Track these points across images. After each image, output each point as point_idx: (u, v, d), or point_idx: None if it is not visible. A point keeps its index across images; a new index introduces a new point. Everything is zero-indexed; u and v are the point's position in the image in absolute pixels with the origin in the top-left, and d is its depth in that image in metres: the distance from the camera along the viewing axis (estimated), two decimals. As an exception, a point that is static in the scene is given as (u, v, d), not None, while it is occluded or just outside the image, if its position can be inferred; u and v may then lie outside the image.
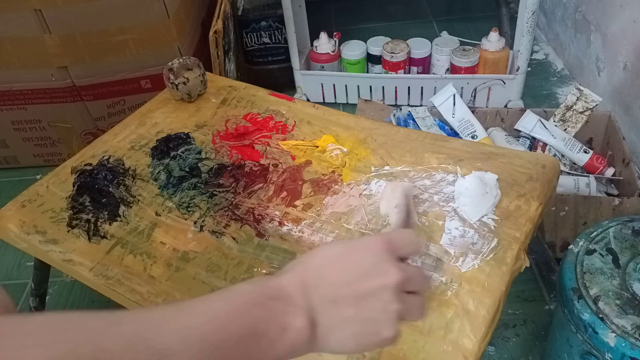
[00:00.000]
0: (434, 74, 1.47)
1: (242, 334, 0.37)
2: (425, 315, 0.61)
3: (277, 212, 0.76)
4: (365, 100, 1.32)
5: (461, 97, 1.23)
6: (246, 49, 1.53)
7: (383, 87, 1.48)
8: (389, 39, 1.48)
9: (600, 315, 0.65)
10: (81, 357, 0.31)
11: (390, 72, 1.46)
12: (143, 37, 1.20)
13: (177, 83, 0.94)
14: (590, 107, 1.13)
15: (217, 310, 0.38)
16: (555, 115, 1.16)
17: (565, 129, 1.15)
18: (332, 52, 1.49)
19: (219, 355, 0.35)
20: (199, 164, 0.85)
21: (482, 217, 0.69)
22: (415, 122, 1.20)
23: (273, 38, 1.50)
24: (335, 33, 1.52)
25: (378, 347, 0.41)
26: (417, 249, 0.46)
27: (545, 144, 1.14)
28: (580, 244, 0.74)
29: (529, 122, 1.16)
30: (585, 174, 1.09)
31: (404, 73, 1.47)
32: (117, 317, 0.35)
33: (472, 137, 1.16)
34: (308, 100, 1.51)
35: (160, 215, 0.78)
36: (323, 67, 1.50)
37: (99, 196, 0.81)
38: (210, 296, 0.39)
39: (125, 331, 0.34)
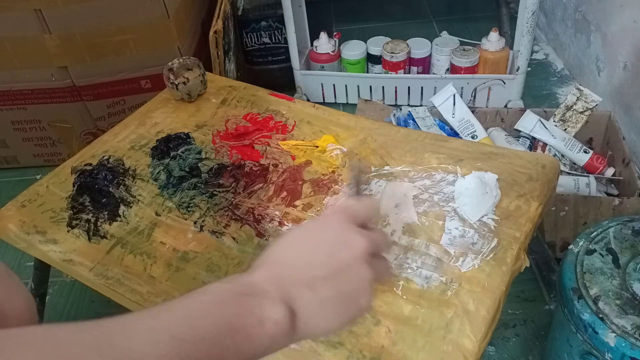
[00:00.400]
0: (434, 74, 1.46)
1: (216, 330, 0.36)
2: (393, 274, 0.62)
3: (277, 212, 0.76)
4: (365, 100, 1.32)
5: (461, 97, 1.23)
6: (246, 49, 1.53)
7: (383, 87, 1.48)
8: (389, 39, 1.48)
9: (600, 315, 0.65)
10: None
11: (390, 72, 1.46)
12: (143, 37, 1.20)
13: (177, 83, 0.94)
14: (590, 107, 1.13)
15: (186, 309, 0.37)
16: (555, 115, 1.16)
17: (565, 129, 1.15)
18: (332, 52, 1.49)
19: (193, 352, 0.35)
20: (199, 164, 0.85)
21: (482, 217, 0.69)
22: (415, 122, 1.20)
23: (273, 38, 1.50)
24: (335, 33, 1.52)
25: (359, 316, 0.42)
26: (374, 212, 0.47)
27: (545, 144, 1.14)
28: (580, 244, 0.74)
29: (529, 122, 1.15)
30: (585, 174, 1.09)
31: (404, 73, 1.47)
32: (84, 324, 0.34)
33: (472, 137, 1.16)
34: (308, 100, 1.51)
35: (160, 215, 0.78)
36: (323, 67, 1.50)
37: (99, 196, 0.81)
38: (181, 298, 0.38)
39: (90, 337, 0.33)
